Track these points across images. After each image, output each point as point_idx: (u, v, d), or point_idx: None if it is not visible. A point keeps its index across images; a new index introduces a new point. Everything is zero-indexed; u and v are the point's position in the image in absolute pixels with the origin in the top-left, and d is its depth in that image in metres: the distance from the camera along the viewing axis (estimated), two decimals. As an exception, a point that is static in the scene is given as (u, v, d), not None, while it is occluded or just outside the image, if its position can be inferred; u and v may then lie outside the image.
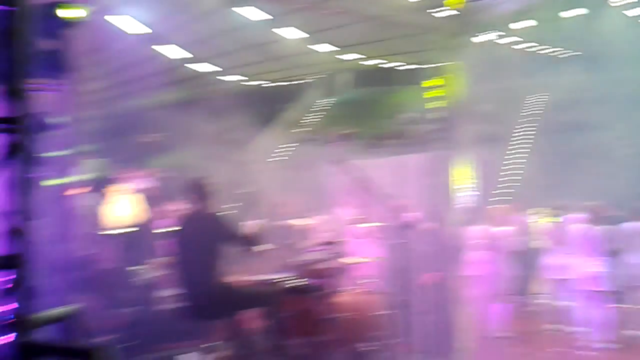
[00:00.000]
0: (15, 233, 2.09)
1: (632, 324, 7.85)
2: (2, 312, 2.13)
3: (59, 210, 5.07)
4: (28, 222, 2.10)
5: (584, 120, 21.85)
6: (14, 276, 2.06)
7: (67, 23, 5.05)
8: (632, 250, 7.86)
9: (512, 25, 18.87)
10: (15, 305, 2.03)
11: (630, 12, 17.37)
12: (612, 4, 17.34)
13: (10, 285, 2.08)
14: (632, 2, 17.37)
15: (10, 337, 2.03)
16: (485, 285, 7.60)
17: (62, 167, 5.21)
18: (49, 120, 5.15)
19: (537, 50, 22.08)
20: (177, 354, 5.39)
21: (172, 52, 18.86)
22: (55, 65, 5.10)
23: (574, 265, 7.38)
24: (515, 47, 20.85)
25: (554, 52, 22.73)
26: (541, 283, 9.91)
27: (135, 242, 6.78)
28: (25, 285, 2.04)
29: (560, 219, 8.62)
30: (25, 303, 2.03)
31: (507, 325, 7.86)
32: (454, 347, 6.64)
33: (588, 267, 7.23)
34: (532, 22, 18.62)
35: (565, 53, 23.16)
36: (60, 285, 4.69)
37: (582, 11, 18.01)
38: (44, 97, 5.18)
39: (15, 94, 2.11)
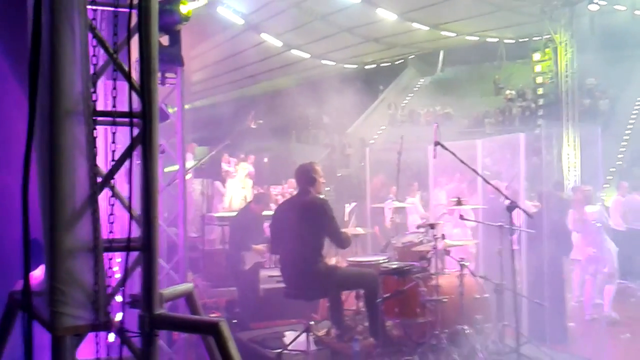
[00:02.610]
0: (141, 217, 2.30)
1: None
2: (128, 290, 2.36)
3: (173, 195, 5.42)
4: (152, 207, 2.29)
5: None
6: (141, 257, 2.27)
7: (179, 17, 5.30)
8: None
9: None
10: (142, 283, 2.24)
11: None
12: None
13: (137, 265, 2.30)
14: None
15: (137, 312, 2.25)
16: (594, 267, 7.25)
17: (175, 155, 5.53)
18: (164, 111, 5.52)
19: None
20: (282, 331, 5.62)
21: (274, 39, 19.33)
22: (169, 58, 5.39)
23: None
24: (635, 12, 19.18)
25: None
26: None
27: (242, 224, 7.10)
28: (151, 265, 2.24)
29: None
30: (151, 281, 2.23)
31: (619, 309, 7.46)
32: (563, 332, 6.42)
33: None
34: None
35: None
36: (175, 265, 5.05)
37: None
38: (159, 89, 5.53)
39: (142, 90, 2.31)
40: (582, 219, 7.05)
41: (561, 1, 16.17)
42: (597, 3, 16.54)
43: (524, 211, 5.58)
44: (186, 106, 6.24)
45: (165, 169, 6.58)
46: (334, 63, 23.85)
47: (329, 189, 16.64)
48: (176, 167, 5.61)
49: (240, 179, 8.84)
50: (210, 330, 2.19)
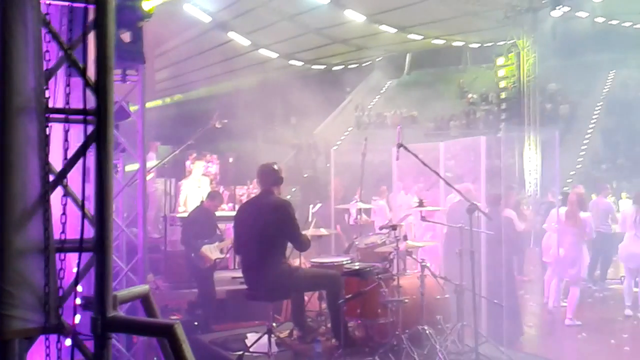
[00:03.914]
0: (94, 217, 2.25)
1: None
2: (81, 292, 2.31)
3: (132, 195, 5.33)
4: (106, 207, 2.25)
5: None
6: (94, 257, 2.23)
7: (141, 14, 5.21)
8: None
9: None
10: (95, 284, 2.20)
11: None
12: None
13: (90, 267, 2.25)
14: None
15: (89, 314, 2.21)
16: (557, 269, 7.41)
17: (135, 153, 5.45)
18: (124, 109, 5.43)
19: (614, 25, 20.83)
20: (244, 333, 5.58)
21: (238, 38, 19.20)
22: (130, 55, 5.29)
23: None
24: (595, 20, 19.70)
25: (632, 26, 21.42)
26: (617, 268, 9.57)
27: (203, 224, 7.03)
28: (104, 266, 2.19)
29: (634, 202, 8.24)
30: (103, 283, 2.19)
31: (580, 312, 7.66)
32: (520, 331, 6.55)
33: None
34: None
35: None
36: (133, 266, 4.97)
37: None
38: (119, 86, 5.44)
39: (97, 87, 2.26)
40: (550, 220, 7.20)
41: (524, 7, 16.53)
42: (559, 9, 16.95)
43: (483, 213, 5.67)
44: (149, 104, 6.15)
45: (127, 168, 6.46)
46: (302, 63, 23.88)
47: (295, 189, 16.64)
48: (137, 166, 5.52)
49: (195, 177, 8.69)
50: (164, 332, 2.16)
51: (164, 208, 8.70)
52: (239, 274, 5.47)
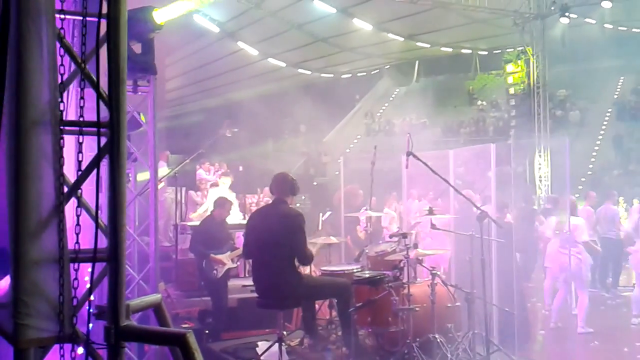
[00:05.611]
0: (107, 227, 2.29)
1: None
2: (95, 301, 2.34)
3: (144, 204, 5.37)
4: (119, 218, 2.28)
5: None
6: (108, 267, 2.26)
7: (152, 25, 5.27)
8: None
9: (601, 5, 17.79)
10: (108, 294, 2.23)
11: None
12: None
13: (104, 276, 2.28)
14: None
15: (103, 323, 2.23)
16: (567, 277, 7.37)
17: (147, 163, 5.49)
18: (135, 119, 5.49)
19: (623, 31, 20.75)
20: (255, 342, 5.60)
21: (250, 48, 19.33)
22: (142, 66, 5.34)
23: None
24: (604, 26, 19.65)
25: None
26: (630, 275, 9.49)
27: (215, 233, 7.06)
28: (117, 276, 2.22)
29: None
30: (117, 293, 2.22)
31: (589, 318, 7.60)
32: (532, 341, 6.51)
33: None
34: (619, 1, 17.52)
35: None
36: (145, 275, 5.00)
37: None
38: (131, 97, 5.51)
39: (110, 99, 2.30)
40: (550, 230, 7.18)
41: (533, 14, 16.50)
42: (568, 16, 16.91)
43: (494, 221, 5.66)
44: (160, 114, 6.21)
45: (138, 177, 6.52)
46: (310, 72, 23.96)
47: (304, 197, 16.65)
48: (149, 175, 5.56)
49: (215, 187, 8.77)
50: (177, 341, 2.18)
51: (174, 216, 8.75)
52: (250, 282, 5.49)
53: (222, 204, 7.21)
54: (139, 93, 5.49)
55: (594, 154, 21.04)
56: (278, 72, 22.39)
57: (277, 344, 5.02)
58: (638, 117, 20.21)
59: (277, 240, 5.02)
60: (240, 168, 11.64)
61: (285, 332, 5.32)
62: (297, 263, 5.21)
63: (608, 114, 22.43)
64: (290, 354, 5.32)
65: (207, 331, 6.28)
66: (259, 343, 5.47)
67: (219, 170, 9.45)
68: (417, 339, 5.19)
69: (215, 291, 6.87)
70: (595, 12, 18.74)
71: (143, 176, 5.72)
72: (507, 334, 6.15)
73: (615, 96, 23.04)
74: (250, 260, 5.45)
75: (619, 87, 23.33)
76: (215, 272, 6.77)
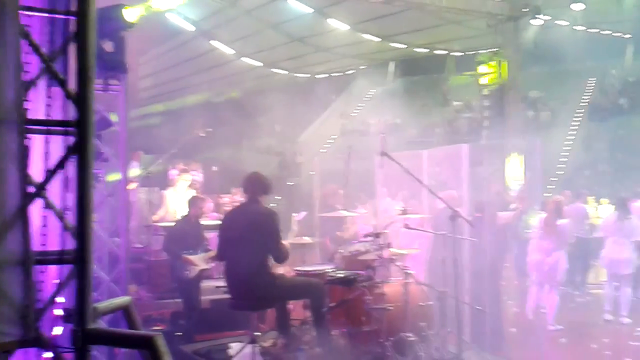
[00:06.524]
0: (75, 228, 2.25)
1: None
2: (63, 303, 2.30)
3: (115, 204, 5.30)
4: (86, 219, 2.24)
5: (636, 104, 21.00)
6: (74, 269, 2.22)
7: (124, 23, 5.21)
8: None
9: (568, 7, 18.17)
10: (74, 297, 2.19)
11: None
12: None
13: (70, 278, 2.24)
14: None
15: (70, 326, 2.19)
16: (539, 275, 7.48)
17: (118, 163, 5.43)
18: (106, 118, 5.41)
19: (593, 32, 21.21)
20: (228, 343, 5.56)
21: (223, 47, 19.21)
22: (113, 65, 5.28)
23: (632, 256, 7.17)
24: (572, 28, 20.06)
25: (609, 34, 21.80)
26: (598, 273, 9.69)
27: (187, 233, 6.99)
28: (84, 278, 2.18)
29: (616, 208, 8.35)
30: (83, 295, 2.18)
31: (560, 316, 7.73)
32: (504, 339, 6.59)
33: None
34: (590, 4, 17.90)
35: (621, 35, 22.21)
36: (115, 277, 4.93)
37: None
38: (101, 96, 5.43)
39: (78, 98, 2.26)
40: (532, 227, 7.28)
41: (505, 16, 16.70)
42: (540, 18, 17.19)
43: (466, 220, 5.72)
44: (133, 113, 6.14)
45: (109, 178, 6.43)
46: (286, 72, 23.93)
47: (279, 197, 16.60)
48: (120, 176, 5.49)
49: (181, 190, 8.58)
50: (145, 344, 2.15)
51: (147, 218, 8.62)
52: (223, 283, 5.45)
53: (194, 202, 7.13)
54: (110, 92, 5.42)
55: (565, 154, 21.42)
56: (253, 72, 22.31)
57: (250, 345, 4.99)
58: (607, 119, 20.60)
59: (250, 240, 4.99)
60: (214, 168, 11.56)
61: (258, 333, 5.30)
62: (271, 263, 5.18)
63: (579, 115, 22.84)
64: (264, 354, 5.29)
65: (179, 333, 6.22)
66: (232, 344, 5.44)
67: (192, 171, 9.33)
68: (391, 338, 5.22)
69: (187, 293, 6.80)
70: (567, 14, 19.10)
71: (114, 177, 5.63)
72: (479, 332, 6.22)
73: (586, 97, 23.47)
74: (224, 261, 5.39)
75: (589, 88, 23.77)
76: (187, 273, 6.71)
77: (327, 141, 25.99)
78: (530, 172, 14.43)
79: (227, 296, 5.33)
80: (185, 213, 7.29)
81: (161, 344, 2.13)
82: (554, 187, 17.75)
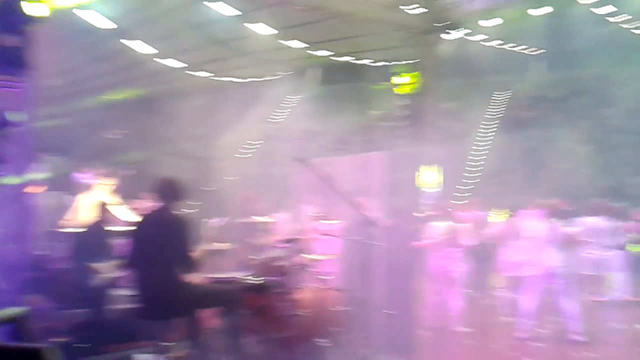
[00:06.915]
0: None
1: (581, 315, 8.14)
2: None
3: (16, 209, 5.01)
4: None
5: (545, 117, 22.38)
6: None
7: (30, 18, 4.98)
8: (587, 245, 8.10)
9: (482, 23, 19.09)
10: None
11: (599, 10, 17.67)
12: (581, 2, 17.62)
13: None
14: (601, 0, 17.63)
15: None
16: (445, 280, 7.77)
17: (20, 165, 5.15)
18: (8, 117, 5.11)
19: (505, 48, 22.42)
20: (134, 354, 5.37)
21: (140, 47, 18.60)
22: (16, 61, 5.05)
23: (529, 260, 7.58)
24: (485, 44, 21.12)
25: (521, 49, 23.11)
26: (498, 277, 10.23)
27: (94, 240, 6.71)
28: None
29: (517, 215, 8.82)
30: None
31: (465, 319, 8.06)
32: (414, 342, 6.77)
33: (543, 262, 7.42)
34: (500, 20, 18.88)
35: (532, 50, 23.60)
36: (14, 285, 4.65)
37: (550, 9, 18.27)
38: (3, 93, 5.13)
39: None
40: (431, 235, 7.54)
41: (423, 29, 17.30)
42: (456, 32, 17.97)
43: (378, 226, 5.84)
44: (39, 112, 5.82)
45: (11, 181, 6.06)
46: (207, 75, 23.54)
47: (198, 203, 16.29)
48: (23, 178, 5.20)
49: (95, 192, 8.25)
50: (33, 358, 2.03)
51: (53, 223, 8.18)
52: (131, 292, 5.26)
53: (103, 209, 6.87)
54: (14, 89, 5.14)
55: (478, 163, 22.43)
56: (172, 73, 21.75)
57: (158, 356, 4.85)
58: (518, 131, 21.75)
59: (160, 247, 4.86)
60: (129, 172, 11.17)
61: (167, 344, 5.15)
62: (182, 271, 5.07)
63: (493, 127, 24.02)
64: (174, 365, 5.15)
65: (83, 345, 5.93)
66: (140, 356, 5.26)
67: (101, 174, 8.93)
68: (304, 345, 5.25)
69: (93, 302, 6.51)
70: (482, 29, 20.08)
71: (15, 180, 5.32)
72: (390, 336, 6.35)
73: (498, 110, 24.72)
74: (132, 269, 5.20)
75: (502, 101, 25.04)
76: (94, 281, 6.44)
77: (250, 146, 25.83)
78: (444, 181, 15.01)
79: (135, 305, 5.15)
80: (96, 220, 7.00)
81: (51, 356, 2.02)
82: (469, 194, 18.53)
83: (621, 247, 9.41)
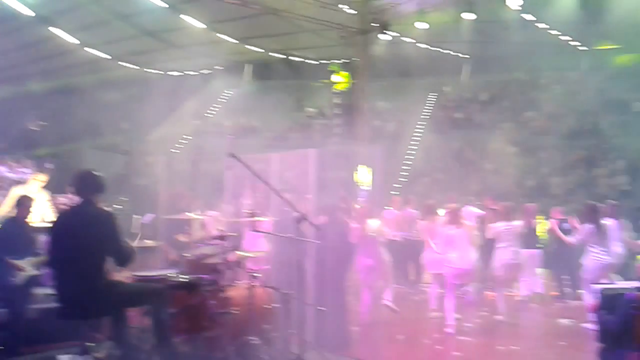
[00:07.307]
0: None
1: (497, 310, 8.49)
2: None
3: None
4: None
5: (473, 119, 23.17)
6: None
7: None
8: (502, 245, 8.43)
9: (415, 25, 19.49)
10: None
11: (528, 16, 18.37)
12: (511, 7, 18.25)
13: None
14: (530, 6, 18.30)
15: None
16: (374, 276, 7.88)
17: None
18: None
19: (438, 50, 23.01)
20: (57, 355, 5.13)
21: (67, 35, 17.81)
22: None
23: (448, 258, 7.81)
24: (419, 45, 21.59)
25: (452, 52, 23.80)
26: (424, 274, 10.52)
27: (14, 236, 6.34)
28: None
29: (441, 214, 9.06)
30: None
31: (397, 313, 8.21)
32: (346, 337, 6.83)
33: (460, 260, 7.67)
34: (433, 24, 19.35)
35: (462, 54, 24.35)
36: None
37: (481, 14, 18.83)
38: None
39: None
40: (362, 232, 7.62)
41: (356, 29, 17.47)
42: (388, 34, 18.24)
43: (311, 224, 5.83)
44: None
45: None
46: (136, 67, 22.86)
47: (126, 199, 15.75)
48: None
49: (16, 185, 7.81)
50: None
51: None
52: (53, 290, 5.00)
53: (22, 203, 6.51)
54: None
55: (408, 162, 22.92)
56: (99, 64, 20.98)
57: (81, 357, 4.64)
58: (445, 131, 22.37)
59: (84, 244, 4.63)
60: (51, 166, 10.63)
61: (91, 344, 4.94)
62: (108, 268, 4.86)
63: (421, 127, 24.58)
64: (97, 366, 4.94)
65: (1, 347, 5.60)
66: (62, 357, 5.02)
67: (24, 168, 8.46)
68: (234, 343, 5.16)
69: (13, 301, 6.15)
70: (412, 32, 20.50)
71: None
72: (322, 333, 6.37)
73: (428, 110, 25.33)
74: (54, 266, 4.94)
75: (431, 102, 25.68)
76: (13, 279, 6.09)
77: (180, 141, 25.26)
78: (376, 179, 15.22)
79: (57, 305, 4.89)
80: (13, 214, 6.62)
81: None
82: (397, 193, 18.90)
83: (536, 246, 9.86)
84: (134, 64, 22.56)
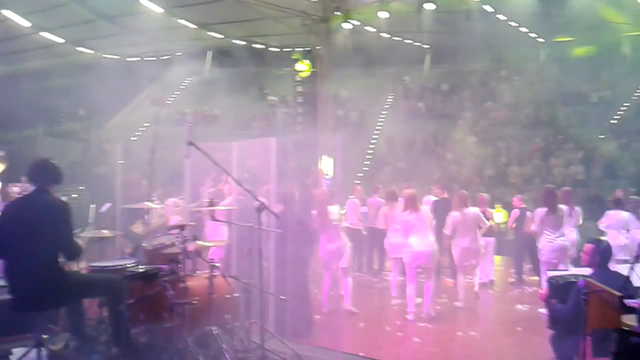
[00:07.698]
0: None
1: (456, 296, 8.66)
2: None
3: None
4: None
5: (435, 109, 23.42)
6: None
7: None
8: (462, 234, 8.57)
9: (378, 14, 19.48)
10: None
11: (488, 7, 18.55)
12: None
13: None
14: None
15: None
16: (337, 263, 7.90)
17: None
18: None
19: (401, 40, 23.10)
20: (11, 348, 4.97)
21: (20, 18, 17.17)
22: None
23: (407, 242, 7.89)
24: (382, 35, 21.61)
25: (414, 42, 23.93)
26: (387, 261, 10.62)
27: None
28: None
29: (401, 201, 9.12)
30: None
31: (360, 302, 8.26)
32: (307, 325, 6.84)
33: (418, 243, 7.76)
34: (395, 13, 19.36)
35: (422, 44, 24.52)
36: None
37: (443, 4, 18.90)
38: None
39: None
40: (324, 218, 7.62)
41: (319, 17, 17.39)
42: (350, 22, 18.21)
43: (271, 212, 5.80)
44: None
45: None
46: (92, 51, 22.24)
47: (82, 187, 15.40)
48: None
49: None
50: None
51: None
52: (3, 282, 4.84)
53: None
54: None
55: (370, 151, 23.05)
56: (53, 48, 20.32)
57: (35, 349, 4.50)
58: (407, 120, 22.56)
59: (37, 234, 4.49)
60: (2, 153, 10.25)
61: (46, 336, 4.81)
62: (62, 259, 4.73)
63: (383, 116, 24.73)
64: (52, 359, 4.82)
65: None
66: (14, 350, 4.86)
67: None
68: (194, 333, 5.10)
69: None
70: (374, 21, 20.51)
71: None
72: (282, 321, 6.37)
73: (390, 100, 25.49)
74: (5, 257, 4.77)
75: (395, 92, 25.82)
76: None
77: (140, 129, 24.76)
78: (338, 168, 15.24)
79: (8, 296, 4.73)
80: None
81: None
82: (359, 182, 19.01)
83: (492, 235, 10.07)
84: (90, 49, 21.93)
